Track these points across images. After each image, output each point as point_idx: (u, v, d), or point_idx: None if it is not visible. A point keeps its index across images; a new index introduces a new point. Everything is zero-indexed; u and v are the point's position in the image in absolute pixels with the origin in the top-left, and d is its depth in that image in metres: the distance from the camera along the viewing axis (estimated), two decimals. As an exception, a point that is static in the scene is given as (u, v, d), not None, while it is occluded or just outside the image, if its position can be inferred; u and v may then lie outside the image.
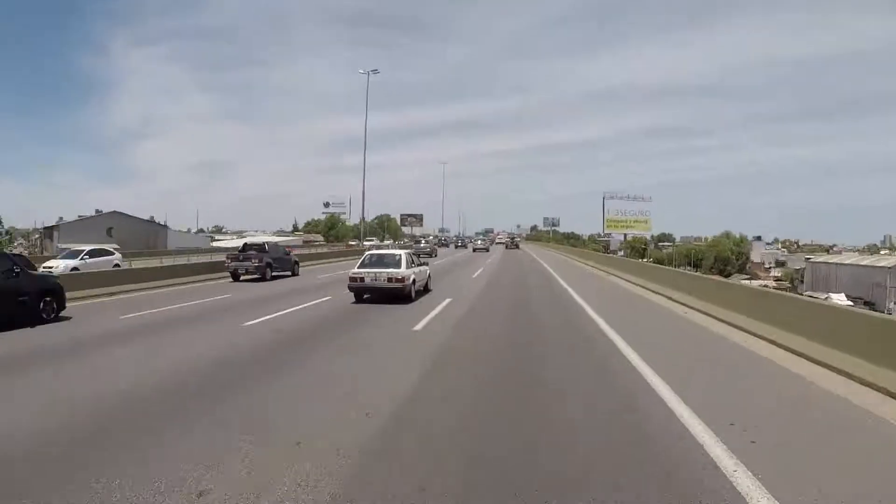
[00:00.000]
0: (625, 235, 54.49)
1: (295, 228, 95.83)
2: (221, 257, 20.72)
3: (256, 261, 17.38)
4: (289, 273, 19.27)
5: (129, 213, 51.05)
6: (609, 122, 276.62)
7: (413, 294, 11.54)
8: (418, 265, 12.84)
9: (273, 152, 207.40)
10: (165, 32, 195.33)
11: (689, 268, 56.11)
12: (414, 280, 11.64)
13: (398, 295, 10.96)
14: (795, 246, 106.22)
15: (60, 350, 7.05)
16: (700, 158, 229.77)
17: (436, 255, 36.83)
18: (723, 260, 63.03)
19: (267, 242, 20.89)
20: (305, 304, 11.26)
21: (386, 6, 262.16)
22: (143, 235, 46.39)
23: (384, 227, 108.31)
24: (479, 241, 58.86)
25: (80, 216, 51.57)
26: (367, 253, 12.62)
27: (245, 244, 19.68)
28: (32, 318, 9.04)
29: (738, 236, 69.33)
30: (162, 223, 60.41)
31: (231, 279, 17.49)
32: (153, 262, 24.08)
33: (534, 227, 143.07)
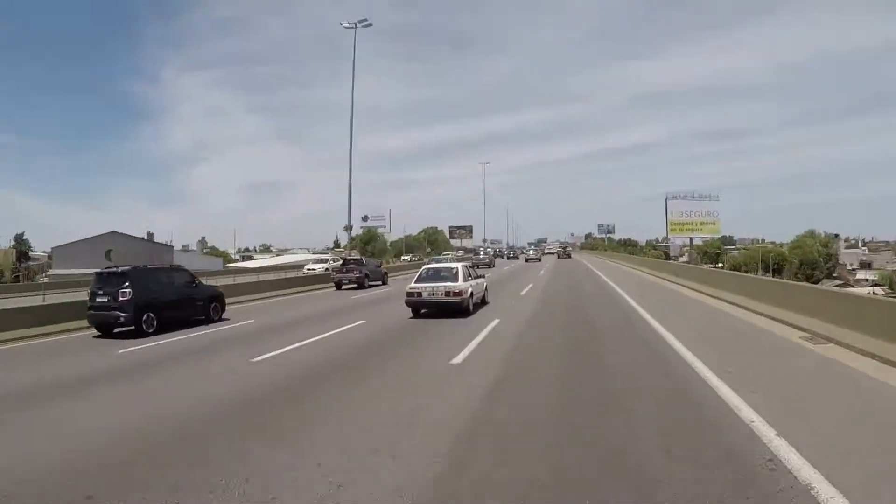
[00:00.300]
0: (690, 240, 51.58)
1: (336, 245, 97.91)
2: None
3: (357, 273, 22.05)
4: (380, 283, 23.40)
5: (129, 234, 49.21)
6: (660, 126, 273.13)
7: (471, 307, 11.82)
8: (475, 278, 13.13)
9: (321, 171, 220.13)
10: (215, 57, 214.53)
11: (767, 273, 52.21)
12: (472, 293, 11.93)
13: (456, 309, 11.35)
14: (862, 243, 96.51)
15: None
16: (746, 160, 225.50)
17: (493, 266, 40.20)
18: (809, 263, 58.07)
19: (364, 257, 27.24)
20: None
21: (432, 20, 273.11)
22: (145, 257, 42.63)
23: (430, 241, 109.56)
24: (532, 252, 61.78)
25: (66, 241, 48.72)
26: (423, 267, 13.09)
27: (345, 259, 24.47)
28: (206, 318, 12.19)
29: (823, 235, 63.66)
30: (166, 243, 57.76)
31: (335, 288, 21.96)
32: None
33: (588, 235, 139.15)
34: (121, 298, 10.30)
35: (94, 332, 10.85)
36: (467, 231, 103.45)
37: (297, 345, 8.75)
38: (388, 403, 5.19)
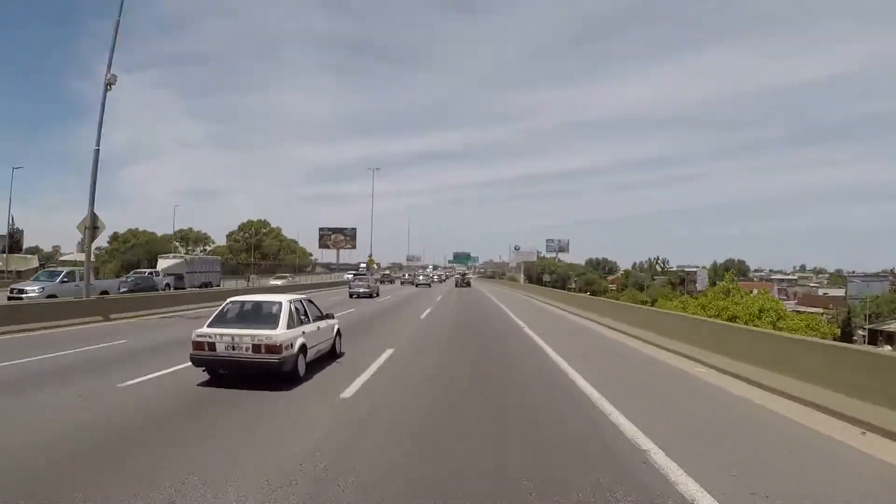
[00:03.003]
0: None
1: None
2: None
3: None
4: None
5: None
6: (591, 153, 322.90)
7: (301, 369, 8.90)
8: (316, 318, 10.87)
9: (250, 180, 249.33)
10: (153, 57, 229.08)
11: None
12: (303, 346, 9.54)
13: (269, 372, 8.87)
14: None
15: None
16: (681, 187, 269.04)
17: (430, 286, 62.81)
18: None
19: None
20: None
21: (371, 34, 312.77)
22: None
23: (256, 245, 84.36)
24: (422, 277, 71.00)
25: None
26: (228, 300, 9.73)
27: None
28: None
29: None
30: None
31: None
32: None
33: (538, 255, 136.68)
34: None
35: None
36: (348, 237, 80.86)
37: None
38: None
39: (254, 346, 8.64)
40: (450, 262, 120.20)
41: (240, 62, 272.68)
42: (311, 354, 9.93)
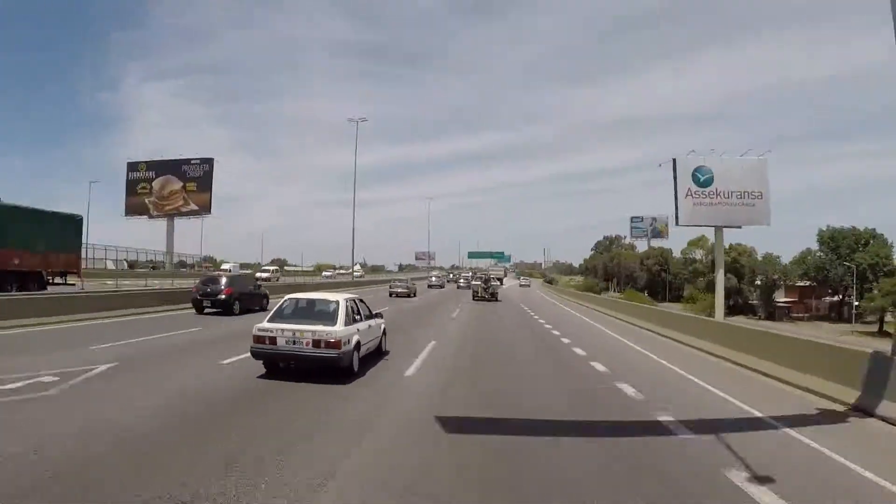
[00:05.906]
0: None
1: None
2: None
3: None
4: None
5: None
6: (623, 151, 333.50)
7: (355, 364, 11.25)
8: (367, 317, 12.77)
9: (278, 186, 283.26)
10: (177, 67, 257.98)
11: None
12: (357, 343, 11.51)
13: (331, 367, 10.65)
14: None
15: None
16: None
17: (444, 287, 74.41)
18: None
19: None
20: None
21: (395, 40, 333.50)
22: None
23: None
24: (434, 278, 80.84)
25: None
26: (286, 298, 11.50)
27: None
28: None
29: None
30: None
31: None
32: None
33: (609, 241, 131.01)
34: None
35: None
36: (189, 187, 50.01)
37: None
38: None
39: (314, 341, 10.53)
40: (470, 257, 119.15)
41: (263, 71, 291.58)
42: (363, 351, 11.78)
